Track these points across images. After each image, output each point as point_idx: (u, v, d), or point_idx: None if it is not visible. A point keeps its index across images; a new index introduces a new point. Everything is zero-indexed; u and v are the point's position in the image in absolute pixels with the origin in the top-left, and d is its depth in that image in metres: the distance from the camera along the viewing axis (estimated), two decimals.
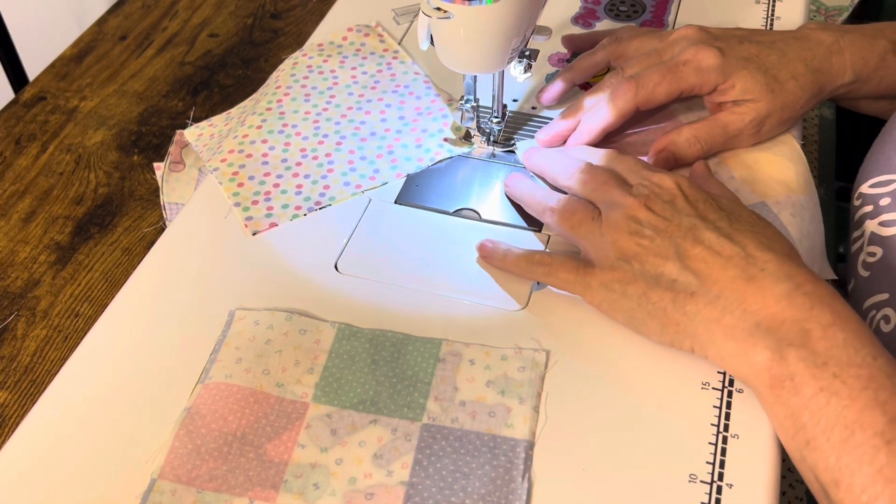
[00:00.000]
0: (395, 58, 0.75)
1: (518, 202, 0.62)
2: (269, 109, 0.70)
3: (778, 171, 0.62)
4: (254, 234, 0.61)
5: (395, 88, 0.72)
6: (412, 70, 0.74)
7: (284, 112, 0.69)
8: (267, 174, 0.65)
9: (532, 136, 0.67)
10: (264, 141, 0.67)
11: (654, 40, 0.67)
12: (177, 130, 0.73)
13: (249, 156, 0.66)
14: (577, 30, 0.78)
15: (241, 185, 0.64)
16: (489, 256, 0.58)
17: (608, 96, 0.62)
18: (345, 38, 0.77)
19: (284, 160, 0.66)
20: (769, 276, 0.48)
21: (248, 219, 0.62)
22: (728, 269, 0.49)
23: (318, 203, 0.63)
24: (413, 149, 0.67)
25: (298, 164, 0.65)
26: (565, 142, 0.65)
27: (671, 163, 0.62)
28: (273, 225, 0.61)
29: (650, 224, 0.52)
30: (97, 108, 0.86)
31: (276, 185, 0.64)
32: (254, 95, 0.75)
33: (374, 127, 0.68)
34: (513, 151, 0.67)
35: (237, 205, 0.63)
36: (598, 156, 0.60)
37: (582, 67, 0.70)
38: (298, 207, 0.63)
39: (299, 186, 0.64)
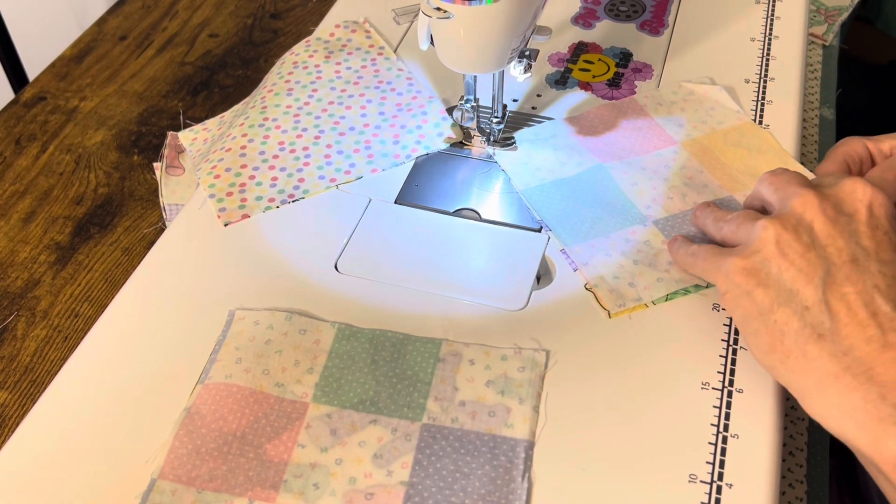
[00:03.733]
0: (380, 54, 0.75)
1: (700, 226, 0.58)
2: (253, 107, 0.70)
3: (747, 165, 0.64)
4: (226, 226, 0.61)
5: (377, 84, 0.72)
6: (396, 66, 0.74)
7: (266, 106, 0.70)
8: (243, 166, 0.65)
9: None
10: (244, 135, 0.67)
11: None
12: (169, 133, 0.73)
13: (228, 150, 0.66)
14: (576, 30, 0.78)
15: (217, 176, 0.64)
16: (670, 247, 0.57)
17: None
18: (332, 35, 0.77)
19: (262, 153, 0.66)
20: None
21: (222, 210, 0.62)
22: (868, 329, 0.44)
23: (291, 196, 0.63)
24: (390, 144, 0.67)
25: (276, 156, 0.66)
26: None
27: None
28: (245, 216, 0.62)
29: (812, 230, 0.47)
30: (97, 108, 0.86)
31: (252, 178, 0.64)
32: (247, 98, 0.75)
33: (354, 122, 0.69)
34: (513, 148, 0.67)
35: (212, 196, 0.63)
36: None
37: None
38: (272, 200, 0.63)
39: (274, 179, 0.64)
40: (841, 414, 0.44)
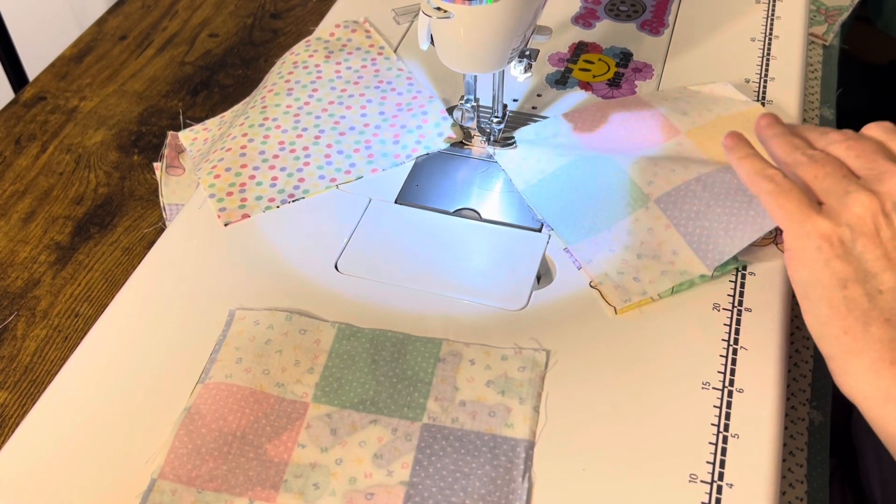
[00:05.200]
0: (380, 54, 0.75)
1: (763, 143, 0.54)
2: (253, 107, 0.70)
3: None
4: (226, 225, 0.61)
5: (377, 84, 0.72)
6: (396, 66, 0.74)
7: (266, 106, 0.70)
8: (244, 166, 0.65)
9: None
10: (244, 134, 0.67)
11: None
12: (169, 132, 0.73)
13: (229, 149, 0.66)
14: (577, 30, 0.78)
15: (217, 176, 0.64)
16: (731, 147, 0.53)
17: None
18: (332, 35, 0.77)
19: (262, 153, 0.66)
20: None
21: (222, 210, 0.62)
22: None
23: (291, 196, 0.63)
24: (390, 144, 0.67)
25: (276, 156, 0.66)
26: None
27: None
28: (245, 216, 0.62)
29: None
30: (97, 108, 0.86)
31: (252, 177, 0.64)
32: (247, 98, 0.75)
33: (354, 122, 0.68)
34: (514, 148, 0.67)
35: (212, 196, 0.63)
36: (878, 128, 0.52)
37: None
38: (272, 199, 0.63)
39: (274, 179, 0.64)
40: (886, 399, 0.45)
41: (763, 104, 0.70)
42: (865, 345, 0.46)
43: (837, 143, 0.51)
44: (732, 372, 0.52)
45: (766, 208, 0.50)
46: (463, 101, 0.65)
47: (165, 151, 0.74)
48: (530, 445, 0.49)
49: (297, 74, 0.73)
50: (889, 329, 0.45)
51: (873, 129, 0.52)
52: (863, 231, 0.47)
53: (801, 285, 0.48)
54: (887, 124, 0.52)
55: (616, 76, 0.73)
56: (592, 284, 0.57)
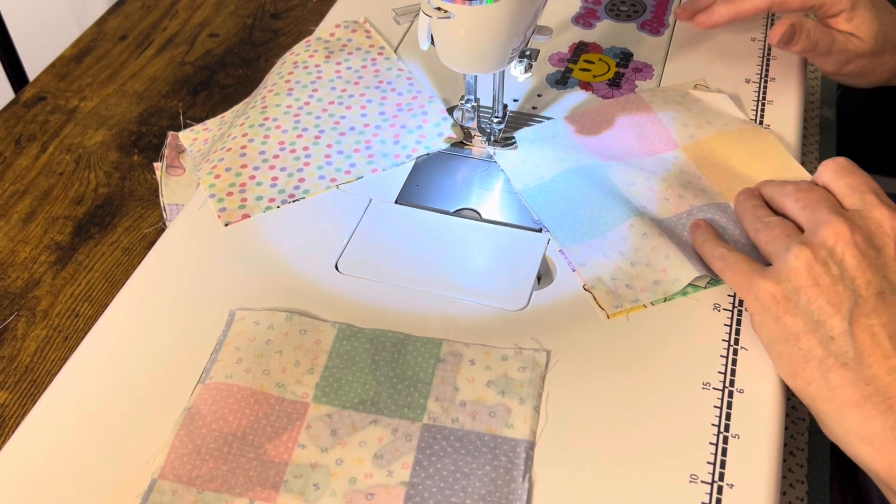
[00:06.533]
0: (380, 54, 0.75)
1: (738, 215, 0.58)
2: (253, 107, 0.70)
3: (749, 170, 0.63)
4: (226, 225, 0.61)
5: (377, 84, 0.72)
6: (396, 66, 0.74)
7: (267, 106, 0.70)
8: (244, 166, 0.65)
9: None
10: (244, 134, 0.67)
11: None
12: (169, 132, 0.73)
13: (229, 149, 0.66)
14: (577, 30, 0.78)
15: (217, 176, 0.64)
16: (693, 234, 0.58)
17: None
18: (332, 35, 0.77)
19: (262, 153, 0.66)
20: None
21: (222, 210, 0.62)
22: (891, 360, 0.46)
23: (291, 196, 0.63)
24: (391, 144, 0.67)
25: (276, 156, 0.66)
26: (693, 16, 0.70)
27: (788, 36, 0.65)
28: (246, 216, 0.62)
29: (843, 262, 0.49)
30: (97, 108, 0.86)
31: (252, 178, 0.64)
32: (247, 98, 0.75)
33: (354, 122, 0.68)
34: (514, 148, 0.67)
35: (212, 196, 0.63)
36: (827, 169, 0.55)
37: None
38: (272, 200, 0.63)
39: (274, 179, 0.64)
40: (860, 440, 0.46)
41: (763, 105, 0.70)
42: (829, 391, 0.47)
43: (788, 196, 0.55)
44: (733, 372, 0.52)
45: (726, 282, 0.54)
46: (463, 102, 0.65)
47: (165, 151, 0.74)
48: (530, 446, 0.49)
49: (297, 74, 0.73)
50: (846, 372, 0.47)
51: (825, 172, 0.55)
52: (803, 284, 0.49)
53: (766, 345, 0.51)
54: (840, 162, 0.55)
55: (616, 76, 0.73)
56: (586, 287, 0.57)
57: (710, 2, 0.69)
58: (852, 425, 0.47)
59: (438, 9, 0.55)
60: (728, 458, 0.48)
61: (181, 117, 0.84)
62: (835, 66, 0.69)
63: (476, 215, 0.63)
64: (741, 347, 0.53)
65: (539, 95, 0.72)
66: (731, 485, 0.47)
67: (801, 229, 0.53)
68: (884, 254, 0.49)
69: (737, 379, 0.51)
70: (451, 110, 0.70)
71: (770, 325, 0.50)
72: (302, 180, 0.64)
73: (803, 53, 0.68)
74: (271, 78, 0.74)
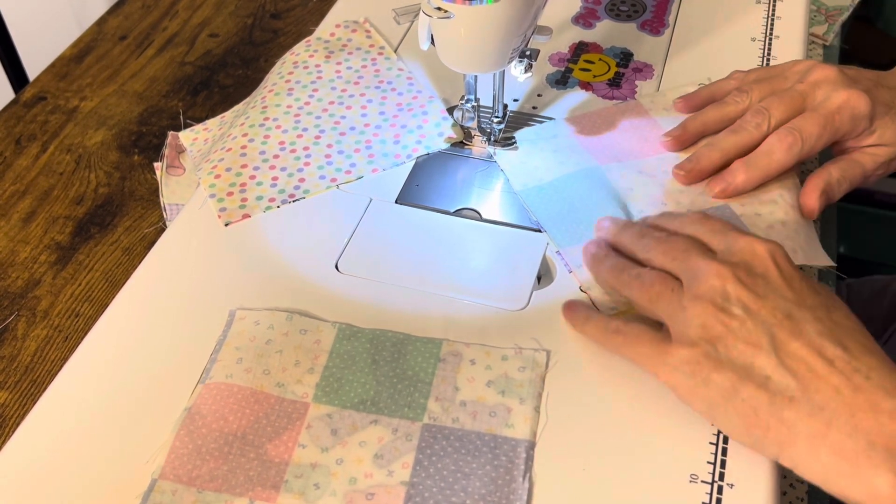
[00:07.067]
0: (380, 54, 0.75)
1: (593, 273, 0.56)
2: (253, 107, 0.70)
3: None
4: (226, 225, 0.61)
5: (377, 84, 0.72)
6: (396, 66, 0.74)
7: (267, 106, 0.70)
8: (244, 166, 0.65)
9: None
10: (245, 134, 0.67)
11: (783, 82, 0.64)
12: (169, 132, 0.73)
13: (229, 149, 0.66)
14: (577, 30, 0.78)
15: (217, 176, 0.64)
16: (570, 318, 0.55)
17: (768, 150, 0.59)
18: (332, 35, 0.77)
19: (262, 153, 0.66)
20: (877, 388, 0.43)
21: (222, 210, 0.62)
22: (832, 376, 0.44)
23: (291, 196, 0.63)
24: (391, 144, 0.67)
25: (276, 156, 0.66)
26: (698, 180, 0.62)
27: (824, 203, 0.60)
28: (246, 216, 0.62)
29: (739, 301, 0.47)
30: (97, 108, 0.86)
31: (252, 177, 0.64)
32: (247, 98, 0.75)
33: (354, 122, 0.68)
34: (514, 148, 0.67)
35: (212, 196, 0.63)
36: (677, 221, 0.54)
37: (711, 119, 0.64)
38: (272, 199, 0.63)
39: (275, 179, 0.64)
40: (842, 475, 0.43)
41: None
42: (789, 431, 0.45)
43: (651, 249, 0.52)
44: None
45: (630, 359, 0.51)
46: (463, 101, 0.65)
47: (166, 151, 0.74)
48: (531, 445, 0.49)
49: (297, 74, 0.73)
50: (797, 406, 0.44)
51: (690, 226, 0.53)
52: (715, 335, 0.46)
53: (706, 414, 0.48)
54: (698, 214, 0.53)
55: (616, 76, 0.73)
56: (582, 289, 0.57)
57: (714, 164, 0.61)
58: (830, 461, 0.43)
59: (438, 9, 0.55)
60: (728, 458, 0.48)
61: (181, 117, 0.84)
62: (874, 179, 0.63)
63: (476, 215, 0.63)
64: None
65: (539, 95, 0.72)
66: (731, 485, 0.47)
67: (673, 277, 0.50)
68: (770, 278, 0.48)
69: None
70: (451, 110, 0.70)
71: (702, 391, 0.47)
72: (302, 180, 0.64)
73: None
74: (271, 78, 0.74)
